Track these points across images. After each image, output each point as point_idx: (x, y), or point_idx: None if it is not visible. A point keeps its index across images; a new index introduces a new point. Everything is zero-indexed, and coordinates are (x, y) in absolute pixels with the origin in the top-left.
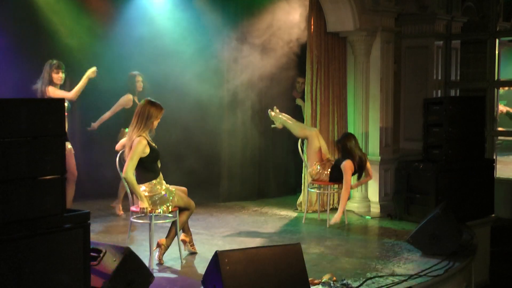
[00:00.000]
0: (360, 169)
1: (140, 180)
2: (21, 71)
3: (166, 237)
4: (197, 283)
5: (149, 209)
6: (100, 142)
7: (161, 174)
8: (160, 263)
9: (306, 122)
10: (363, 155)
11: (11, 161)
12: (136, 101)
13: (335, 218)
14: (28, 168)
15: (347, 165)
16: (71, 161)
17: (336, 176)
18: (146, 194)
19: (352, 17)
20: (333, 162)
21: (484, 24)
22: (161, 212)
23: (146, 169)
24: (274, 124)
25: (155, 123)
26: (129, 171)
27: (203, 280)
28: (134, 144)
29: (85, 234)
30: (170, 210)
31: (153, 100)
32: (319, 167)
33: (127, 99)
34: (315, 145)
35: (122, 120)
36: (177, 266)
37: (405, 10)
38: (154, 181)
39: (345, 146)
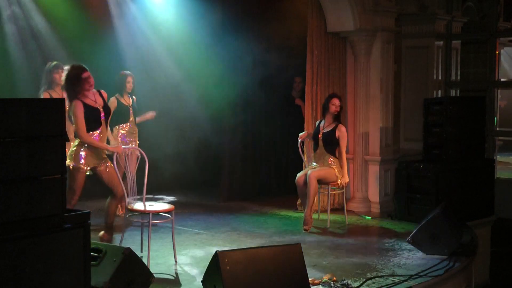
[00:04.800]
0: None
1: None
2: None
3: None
4: (197, 283)
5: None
6: None
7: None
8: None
9: (307, 122)
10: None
11: (11, 161)
12: (124, 101)
13: (343, 180)
14: (28, 168)
15: (344, 130)
16: None
17: (331, 148)
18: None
19: (352, 17)
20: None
21: (484, 24)
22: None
23: None
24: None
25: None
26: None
27: (203, 280)
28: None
29: (85, 234)
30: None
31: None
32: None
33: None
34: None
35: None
36: (177, 266)
37: (405, 10)
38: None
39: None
